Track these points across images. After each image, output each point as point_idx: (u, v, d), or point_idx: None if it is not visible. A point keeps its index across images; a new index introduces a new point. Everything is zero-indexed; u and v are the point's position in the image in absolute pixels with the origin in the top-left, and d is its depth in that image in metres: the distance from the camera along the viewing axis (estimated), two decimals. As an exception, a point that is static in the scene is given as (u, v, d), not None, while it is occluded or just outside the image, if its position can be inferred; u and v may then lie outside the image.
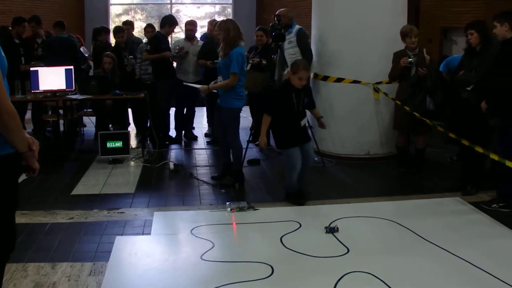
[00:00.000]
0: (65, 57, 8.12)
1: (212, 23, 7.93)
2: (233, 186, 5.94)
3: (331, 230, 4.53)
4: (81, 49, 9.44)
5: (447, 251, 4.13)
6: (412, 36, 6.26)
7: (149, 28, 8.60)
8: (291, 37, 7.23)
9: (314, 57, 7.34)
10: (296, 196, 5.40)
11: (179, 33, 11.58)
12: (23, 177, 2.76)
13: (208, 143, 8.33)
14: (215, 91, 5.90)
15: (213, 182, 6.15)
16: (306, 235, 4.51)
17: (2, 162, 2.38)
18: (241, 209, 5.11)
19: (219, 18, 15.80)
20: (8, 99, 2.31)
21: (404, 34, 6.32)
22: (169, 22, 8.06)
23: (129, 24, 9.40)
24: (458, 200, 5.48)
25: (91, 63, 9.33)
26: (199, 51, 7.99)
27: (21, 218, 4.90)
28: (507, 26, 4.93)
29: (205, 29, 10.63)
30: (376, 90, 6.93)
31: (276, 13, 7.22)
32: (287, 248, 4.22)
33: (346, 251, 4.15)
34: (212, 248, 4.22)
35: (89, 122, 8.84)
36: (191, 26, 8.36)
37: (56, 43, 8.53)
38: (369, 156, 7.14)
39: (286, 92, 5.28)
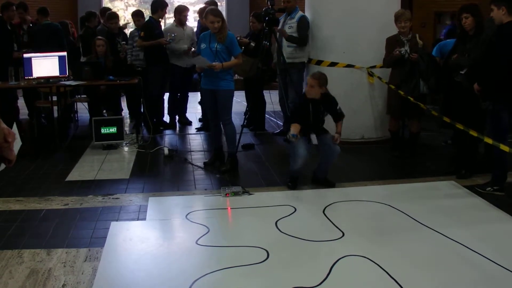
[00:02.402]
0: (50, 43, 8.05)
1: (202, 12, 7.82)
2: (232, 170, 5.97)
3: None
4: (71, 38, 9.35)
5: (441, 234, 4.15)
6: (402, 20, 6.24)
7: (136, 16, 8.52)
8: (292, 22, 7.18)
9: (309, 42, 7.31)
10: (293, 179, 5.42)
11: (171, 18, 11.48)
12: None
13: (198, 129, 8.28)
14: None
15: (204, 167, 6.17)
16: (301, 220, 4.53)
17: None
18: (236, 194, 5.11)
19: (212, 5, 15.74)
20: None
21: (395, 19, 6.30)
22: (160, 5, 8.01)
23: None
24: (452, 183, 5.51)
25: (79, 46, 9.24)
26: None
27: (15, 204, 4.91)
28: (504, 9, 4.90)
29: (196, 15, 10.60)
30: (370, 74, 6.93)
31: None
32: (282, 232, 4.23)
33: (341, 235, 4.17)
34: (207, 233, 4.23)
35: (83, 108, 8.80)
36: (185, 12, 8.30)
37: (40, 30, 8.46)
38: (363, 140, 7.16)
39: (303, 103, 5.37)
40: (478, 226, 4.38)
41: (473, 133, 5.09)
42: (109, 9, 8.56)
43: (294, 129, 5.08)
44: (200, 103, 8.80)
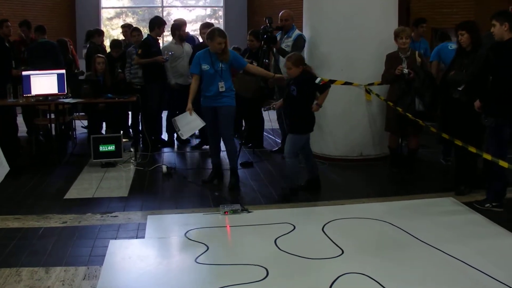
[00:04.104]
0: (46, 61, 8.07)
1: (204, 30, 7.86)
2: (236, 185, 6.04)
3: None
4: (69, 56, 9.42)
5: (441, 251, 4.14)
6: (403, 37, 6.30)
7: (135, 32, 8.60)
8: (289, 41, 7.21)
9: (306, 60, 7.33)
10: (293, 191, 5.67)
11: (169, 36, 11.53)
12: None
13: (193, 147, 8.25)
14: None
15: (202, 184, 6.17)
16: (301, 237, 4.52)
17: None
18: (234, 212, 5.10)
19: (210, 21, 15.82)
20: None
21: (396, 35, 6.36)
22: (158, 23, 8.04)
23: (128, 27, 9.46)
24: (451, 200, 5.50)
25: (82, 65, 9.31)
26: (190, 57, 7.87)
27: (14, 222, 4.89)
28: (507, 26, 4.92)
29: (196, 32, 10.66)
30: (368, 92, 6.95)
31: (280, 14, 7.25)
32: (282, 250, 4.22)
33: (341, 252, 4.16)
34: (206, 251, 4.21)
35: (81, 126, 8.81)
36: (184, 27, 8.33)
37: (36, 47, 8.49)
38: (362, 157, 7.16)
39: (288, 87, 5.73)
40: (478, 242, 4.37)
41: (472, 149, 5.09)
42: (120, 44, 8.63)
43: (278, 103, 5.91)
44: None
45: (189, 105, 5.95)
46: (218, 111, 5.88)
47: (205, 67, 5.86)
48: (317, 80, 5.63)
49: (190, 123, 5.99)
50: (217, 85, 5.82)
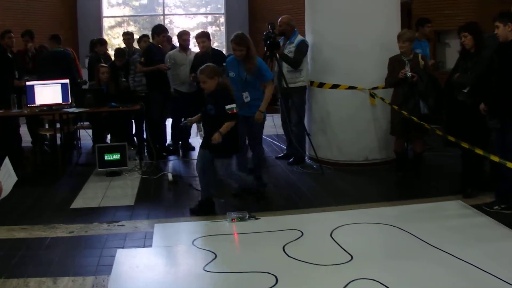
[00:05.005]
0: (60, 70, 8.09)
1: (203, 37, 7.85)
2: (262, 192, 5.90)
3: None
4: None
5: (451, 254, 4.11)
6: (401, 40, 6.29)
7: (146, 37, 8.59)
8: (291, 47, 7.17)
9: (309, 65, 7.33)
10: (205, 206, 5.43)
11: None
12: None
13: None
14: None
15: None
16: (309, 243, 4.49)
17: None
18: (242, 219, 5.08)
19: (211, 28, 15.90)
20: None
21: (397, 38, 6.35)
22: (158, 31, 8.04)
23: (129, 35, 9.45)
24: (459, 203, 5.47)
25: (85, 75, 9.33)
26: (191, 65, 7.86)
27: (20, 232, 4.88)
28: (511, 26, 4.91)
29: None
30: (372, 96, 6.93)
31: (279, 20, 7.24)
32: (290, 257, 4.19)
33: (350, 258, 4.13)
34: (214, 259, 4.19)
35: (86, 135, 8.79)
36: (184, 36, 8.32)
37: (51, 56, 8.51)
38: (367, 162, 7.13)
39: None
40: (488, 245, 4.34)
41: (479, 152, 5.06)
42: (123, 53, 8.64)
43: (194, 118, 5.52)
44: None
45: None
46: (249, 120, 5.79)
47: (231, 74, 5.80)
48: (228, 107, 5.13)
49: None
50: (242, 95, 5.75)
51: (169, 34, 8.74)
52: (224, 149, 5.23)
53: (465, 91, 5.51)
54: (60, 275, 3.93)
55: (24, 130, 8.66)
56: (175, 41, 8.94)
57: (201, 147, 5.47)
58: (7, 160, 2.38)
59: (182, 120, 5.50)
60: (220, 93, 5.20)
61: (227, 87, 5.31)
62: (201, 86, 5.33)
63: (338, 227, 4.80)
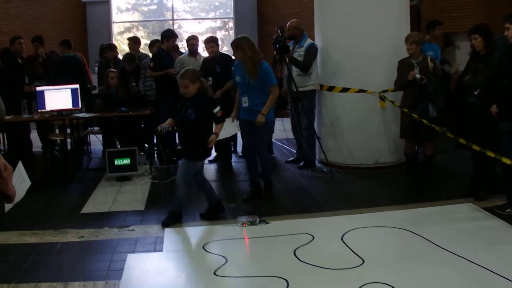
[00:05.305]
0: (71, 75, 8.13)
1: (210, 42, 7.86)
2: (269, 197, 5.89)
3: None
4: None
5: (463, 258, 4.07)
6: (408, 42, 6.26)
7: (157, 43, 8.61)
8: (301, 50, 7.15)
9: (319, 69, 7.31)
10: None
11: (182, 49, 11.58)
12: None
13: (210, 161, 8.02)
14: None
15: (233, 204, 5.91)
16: (320, 247, 4.47)
17: None
18: (252, 223, 5.06)
19: (220, 33, 15.93)
20: None
21: (404, 41, 6.33)
22: (167, 36, 8.06)
23: (132, 40, 9.48)
24: (471, 206, 5.43)
25: (94, 80, 9.38)
26: (199, 69, 7.85)
27: (31, 237, 4.90)
28: None
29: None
30: (382, 99, 6.90)
31: (287, 24, 7.23)
32: (301, 261, 4.17)
33: (361, 262, 4.10)
34: (225, 263, 4.18)
35: (96, 140, 8.83)
36: (193, 41, 8.34)
37: (61, 62, 8.56)
38: (378, 165, 7.09)
39: (180, 100, 5.28)
40: (500, 248, 4.30)
41: (491, 154, 5.02)
42: (134, 58, 8.69)
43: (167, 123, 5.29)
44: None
45: (234, 112, 5.99)
46: (251, 125, 5.72)
47: (237, 78, 5.79)
48: (216, 110, 5.12)
49: (227, 128, 5.94)
50: (242, 99, 5.73)
51: (176, 43, 8.74)
52: (198, 154, 5.22)
53: (475, 93, 5.47)
54: (71, 280, 3.94)
55: (34, 136, 8.71)
56: (183, 46, 8.96)
57: (185, 157, 5.31)
58: (20, 165, 2.38)
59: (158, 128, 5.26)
60: (202, 97, 5.17)
61: (208, 91, 5.32)
62: (181, 91, 5.14)
63: (349, 230, 4.78)
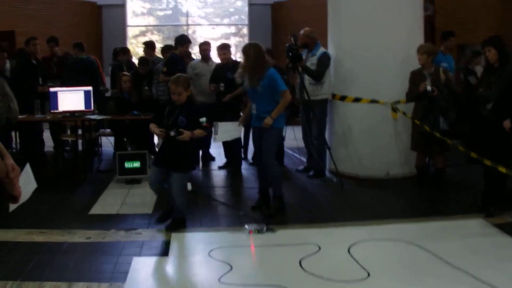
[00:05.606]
0: (84, 77, 8.19)
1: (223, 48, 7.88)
2: (276, 214, 5.64)
3: None
4: None
5: (472, 275, 4.01)
6: (419, 53, 6.24)
7: (172, 49, 8.65)
8: (313, 59, 7.15)
9: (332, 77, 7.29)
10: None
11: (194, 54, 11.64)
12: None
13: (220, 167, 8.08)
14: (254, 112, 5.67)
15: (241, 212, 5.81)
16: (326, 258, 4.43)
17: None
18: (259, 231, 5.03)
19: (234, 39, 15.97)
20: None
21: (416, 51, 6.30)
22: (181, 41, 8.12)
23: (145, 44, 9.57)
24: (481, 221, 5.35)
25: (107, 82, 9.45)
26: (211, 75, 7.88)
27: (39, 236, 4.92)
28: None
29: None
30: (394, 110, 6.86)
31: (301, 32, 7.22)
32: (307, 271, 4.14)
33: (367, 275, 4.06)
34: (230, 271, 4.15)
35: (107, 142, 8.86)
36: (205, 46, 8.37)
37: (75, 63, 8.62)
38: (389, 177, 7.04)
39: (164, 106, 5.16)
40: (510, 266, 4.23)
41: (502, 170, 4.97)
42: (147, 61, 8.75)
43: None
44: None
45: (243, 117, 6.06)
46: (263, 132, 5.60)
47: (246, 84, 5.79)
48: (202, 120, 5.01)
49: (230, 131, 6.07)
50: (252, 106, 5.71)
51: (189, 49, 8.80)
52: (190, 165, 5.21)
53: (489, 106, 5.43)
54: (75, 280, 3.94)
55: (47, 135, 8.76)
56: (196, 51, 9.02)
57: (157, 164, 5.23)
58: (27, 167, 2.39)
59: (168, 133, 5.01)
60: (191, 105, 5.13)
61: (194, 98, 5.27)
62: (174, 98, 5.02)
63: (356, 242, 4.73)
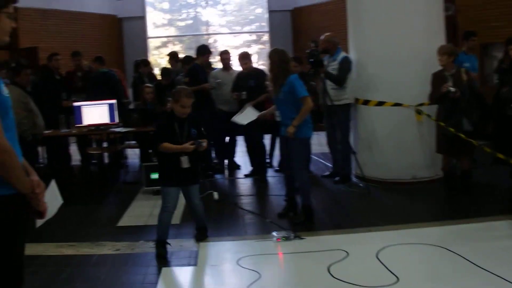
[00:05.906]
0: (105, 90, 8.28)
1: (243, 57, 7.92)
2: (308, 222, 5.63)
3: None
4: None
5: (502, 278, 3.96)
6: (439, 54, 6.19)
7: (191, 59, 8.70)
8: (335, 64, 7.13)
9: (354, 82, 7.27)
10: (161, 245, 4.86)
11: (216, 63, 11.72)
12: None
13: (246, 175, 8.10)
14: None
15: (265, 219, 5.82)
16: (354, 264, 4.42)
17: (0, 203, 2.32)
18: (287, 239, 5.03)
19: (256, 46, 16.02)
20: (4, 137, 2.24)
21: (437, 53, 6.25)
22: (202, 51, 8.17)
23: (169, 55, 9.69)
24: (510, 223, 5.28)
25: (130, 94, 9.57)
26: (234, 84, 7.92)
27: (68, 250, 4.99)
28: None
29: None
30: (419, 112, 6.80)
31: (321, 38, 7.22)
32: (335, 278, 4.13)
33: (396, 280, 4.03)
34: (258, 279, 4.16)
35: (133, 154, 8.95)
36: (225, 55, 8.42)
37: (96, 77, 8.74)
38: (415, 180, 6.98)
39: (169, 122, 4.92)
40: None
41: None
42: (169, 72, 8.85)
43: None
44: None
45: (264, 112, 6.37)
46: (289, 142, 5.58)
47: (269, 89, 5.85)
48: (203, 129, 5.05)
49: (247, 114, 6.59)
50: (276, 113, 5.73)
51: (210, 60, 8.87)
52: (199, 173, 5.17)
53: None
54: (107, 293, 4.00)
55: (74, 149, 8.88)
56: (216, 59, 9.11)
57: (176, 183, 4.97)
58: (53, 183, 2.44)
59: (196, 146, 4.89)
60: (192, 115, 4.99)
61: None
62: (183, 111, 4.83)
63: (385, 247, 4.71)
